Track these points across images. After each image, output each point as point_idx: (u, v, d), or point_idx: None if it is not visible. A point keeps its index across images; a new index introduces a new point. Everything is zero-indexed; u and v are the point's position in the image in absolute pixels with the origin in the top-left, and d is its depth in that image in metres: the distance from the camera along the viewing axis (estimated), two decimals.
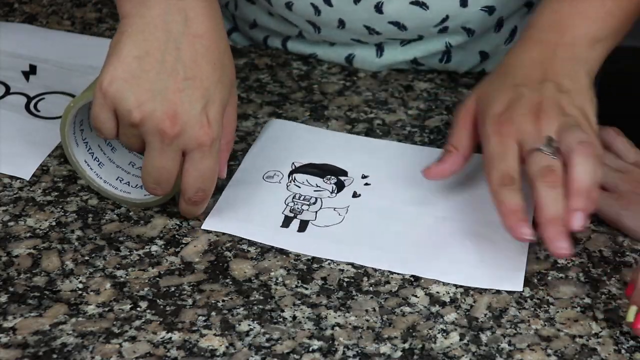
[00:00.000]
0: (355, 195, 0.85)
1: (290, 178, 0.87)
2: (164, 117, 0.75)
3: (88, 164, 0.84)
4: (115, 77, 0.75)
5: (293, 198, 0.85)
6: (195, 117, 0.76)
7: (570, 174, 0.74)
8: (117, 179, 0.85)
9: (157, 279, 0.77)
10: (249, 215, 0.83)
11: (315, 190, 0.86)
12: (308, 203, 0.84)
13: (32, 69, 1.01)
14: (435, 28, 0.98)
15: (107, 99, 0.76)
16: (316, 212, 0.84)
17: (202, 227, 0.81)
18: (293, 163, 0.89)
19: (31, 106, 0.95)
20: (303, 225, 0.82)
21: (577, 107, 0.79)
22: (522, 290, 0.76)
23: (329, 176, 0.87)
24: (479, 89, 0.83)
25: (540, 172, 0.74)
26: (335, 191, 0.86)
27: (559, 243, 0.72)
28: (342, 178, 0.87)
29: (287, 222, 0.82)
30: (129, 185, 0.85)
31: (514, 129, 0.77)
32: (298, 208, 0.84)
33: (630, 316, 0.72)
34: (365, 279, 0.78)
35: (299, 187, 0.86)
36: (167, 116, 0.75)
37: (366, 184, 0.87)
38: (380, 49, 1.02)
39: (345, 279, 0.78)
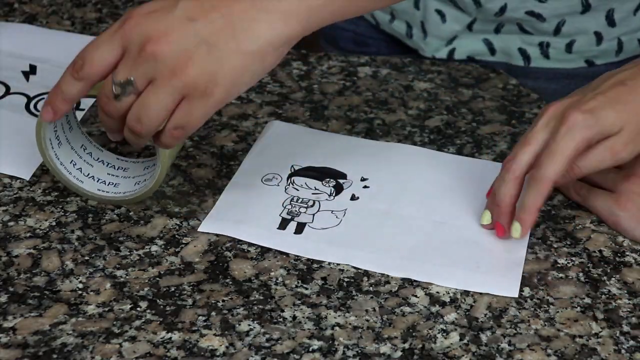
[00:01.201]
0: (353, 198, 0.85)
1: (289, 181, 0.87)
2: (181, 60, 0.71)
3: (50, 142, 0.82)
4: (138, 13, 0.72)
5: (291, 201, 0.85)
6: (212, 73, 0.72)
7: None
8: (70, 162, 0.83)
9: (157, 279, 0.77)
10: (246, 217, 0.83)
11: (313, 193, 0.86)
12: (306, 206, 0.84)
13: (32, 69, 1.01)
14: None
15: (124, 29, 0.71)
16: (313, 214, 0.83)
17: (199, 230, 0.81)
18: (292, 166, 0.88)
19: (31, 106, 0.95)
20: (300, 228, 0.82)
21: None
22: (517, 295, 0.76)
23: (327, 179, 0.87)
24: None
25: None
26: (334, 194, 0.86)
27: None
28: (341, 181, 0.87)
29: (284, 224, 0.82)
30: (81, 172, 0.83)
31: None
32: (296, 210, 0.84)
33: (484, 219, 0.81)
34: (365, 279, 0.78)
35: (297, 189, 0.86)
36: (183, 61, 0.71)
37: (365, 187, 0.87)
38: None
39: (345, 279, 0.78)
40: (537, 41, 1.07)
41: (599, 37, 1.06)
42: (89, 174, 0.84)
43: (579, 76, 1.07)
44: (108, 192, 0.83)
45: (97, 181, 0.84)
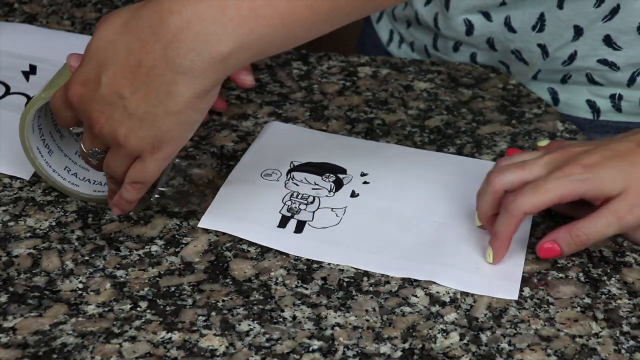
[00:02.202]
0: (353, 194, 0.85)
1: (289, 176, 0.87)
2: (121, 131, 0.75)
3: (39, 151, 0.83)
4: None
5: (291, 196, 0.85)
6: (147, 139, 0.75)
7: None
8: (64, 169, 0.84)
9: (157, 279, 0.77)
10: (246, 213, 0.83)
11: (313, 189, 0.86)
12: (306, 202, 0.84)
13: (32, 69, 1.01)
14: None
15: (72, 102, 0.76)
16: (313, 212, 0.83)
17: (199, 226, 0.81)
18: (292, 162, 0.88)
19: None
20: (300, 226, 0.82)
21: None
22: (516, 298, 0.76)
23: (327, 174, 0.87)
24: None
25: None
26: (334, 190, 0.86)
27: None
28: (341, 176, 0.87)
29: (283, 222, 0.82)
30: (76, 176, 0.84)
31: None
32: (295, 207, 0.84)
33: (476, 221, 0.81)
34: (365, 279, 0.78)
35: (297, 185, 0.86)
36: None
37: (365, 182, 0.87)
38: None
39: (345, 279, 0.78)
40: (608, 93, 0.99)
41: None
42: (84, 178, 0.84)
43: None
44: (104, 191, 0.83)
45: (93, 183, 0.84)
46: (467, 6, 0.99)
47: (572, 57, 0.97)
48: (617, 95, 0.99)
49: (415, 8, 1.05)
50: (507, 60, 1.03)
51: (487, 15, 0.99)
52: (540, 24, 0.96)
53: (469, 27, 1.00)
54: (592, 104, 1.00)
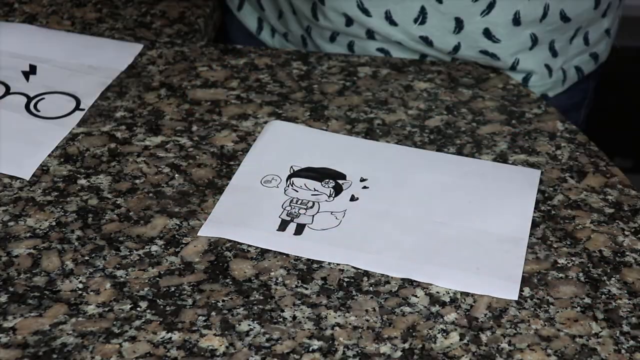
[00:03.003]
0: (353, 199, 0.85)
1: (288, 182, 0.87)
2: None
3: None
4: None
5: (290, 202, 0.85)
6: None
7: None
8: None
9: (157, 279, 0.77)
10: (246, 220, 0.83)
11: (313, 194, 0.86)
12: (305, 207, 0.84)
13: (32, 69, 1.01)
14: None
15: None
16: (313, 215, 0.83)
17: (199, 234, 0.81)
18: (292, 167, 0.88)
19: (31, 106, 0.95)
20: (299, 229, 0.82)
21: None
22: (516, 298, 0.76)
23: (327, 180, 0.87)
24: None
25: None
26: (333, 195, 0.86)
27: None
28: (341, 182, 0.87)
29: (283, 225, 0.82)
30: None
31: None
32: (295, 212, 0.84)
33: None
34: (365, 279, 0.78)
35: (297, 191, 0.86)
36: None
37: (364, 187, 0.87)
38: None
39: (345, 279, 0.78)
40: None
41: (549, 69, 1.07)
42: None
43: None
44: None
45: None
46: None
47: (457, 48, 1.04)
48: None
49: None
50: (388, 47, 1.07)
51: (365, 12, 1.03)
52: (422, 17, 1.02)
53: (348, 20, 1.05)
54: None
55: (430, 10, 1.01)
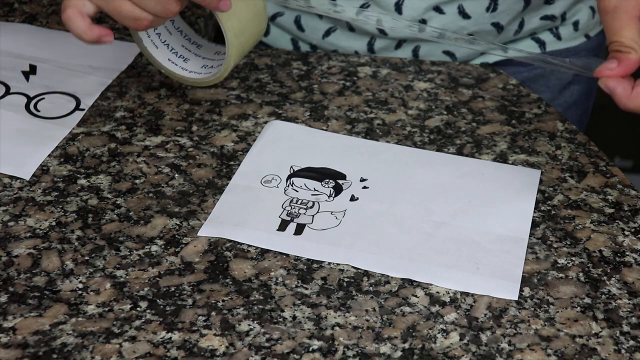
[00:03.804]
0: (353, 198, 0.85)
1: (288, 182, 0.87)
2: None
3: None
4: None
5: (290, 202, 0.85)
6: None
7: None
8: (154, 29, 0.89)
9: (157, 279, 0.77)
10: (246, 220, 0.83)
11: (313, 194, 0.86)
12: (305, 207, 0.84)
13: (32, 69, 1.01)
14: None
15: None
16: (313, 215, 0.83)
17: (199, 234, 0.81)
18: (292, 167, 0.89)
19: (31, 106, 0.95)
20: (299, 229, 0.82)
21: None
22: (516, 298, 0.76)
23: (327, 180, 0.87)
24: None
25: None
26: (333, 195, 0.86)
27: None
28: (341, 182, 0.87)
29: (283, 225, 0.82)
30: (159, 37, 0.90)
31: None
32: (295, 212, 0.84)
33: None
34: (365, 279, 0.78)
35: (297, 191, 0.86)
36: None
37: (364, 187, 0.87)
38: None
39: (345, 279, 0.78)
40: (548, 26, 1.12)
41: (592, 11, 1.14)
42: (165, 41, 0.88)
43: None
44: (176, 64, 0.86)
45: (170, 50, 0.87)
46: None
47: (522, 25, 1.09)
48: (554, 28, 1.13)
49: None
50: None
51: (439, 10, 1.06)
52: (493, 5, 1.06)
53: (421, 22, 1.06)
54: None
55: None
